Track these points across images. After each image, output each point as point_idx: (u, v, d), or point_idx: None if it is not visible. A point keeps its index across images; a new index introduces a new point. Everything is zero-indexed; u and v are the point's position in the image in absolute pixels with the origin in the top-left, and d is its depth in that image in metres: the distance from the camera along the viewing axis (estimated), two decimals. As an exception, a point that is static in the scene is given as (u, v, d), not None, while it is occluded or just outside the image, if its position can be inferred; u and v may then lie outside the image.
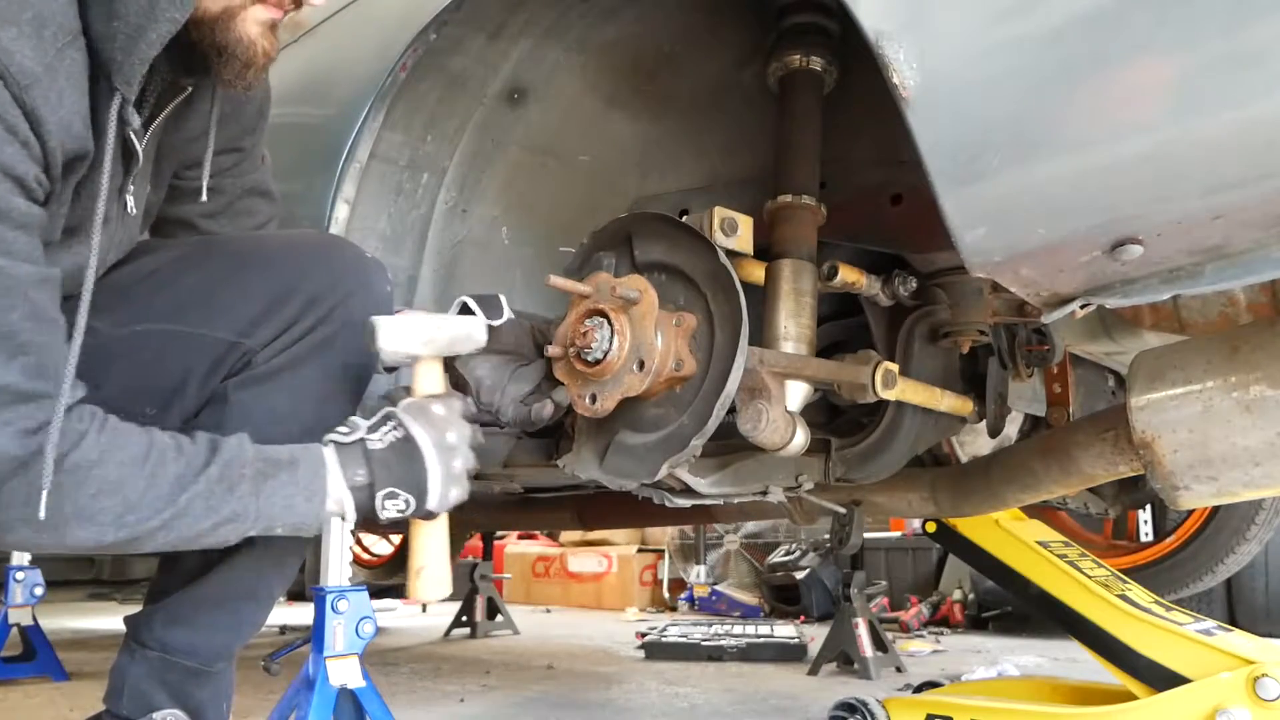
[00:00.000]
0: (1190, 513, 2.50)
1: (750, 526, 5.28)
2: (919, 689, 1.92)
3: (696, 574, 5.39)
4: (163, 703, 1.19)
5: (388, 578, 4.55)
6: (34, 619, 2.77)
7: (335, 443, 1.08)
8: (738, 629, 3.66)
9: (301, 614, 4.42)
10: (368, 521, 1.09)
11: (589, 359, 1.18)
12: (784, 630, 3.55)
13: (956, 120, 0.91)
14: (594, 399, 1.20)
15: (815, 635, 3.37)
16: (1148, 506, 3.01)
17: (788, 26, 1.39)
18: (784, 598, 4.81)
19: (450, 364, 1.23)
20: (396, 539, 4.61)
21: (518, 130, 1.60)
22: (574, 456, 1.31)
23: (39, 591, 2.78)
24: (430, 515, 1.10)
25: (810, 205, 1.34)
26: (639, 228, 1.25)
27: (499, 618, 4.22)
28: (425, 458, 1.07)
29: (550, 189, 1.69)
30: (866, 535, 2.29)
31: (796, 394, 1.30)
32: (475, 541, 4.60)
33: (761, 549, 5.25)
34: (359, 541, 4.69)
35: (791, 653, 3.22)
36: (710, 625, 3.86)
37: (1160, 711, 1.50)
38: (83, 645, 3.54)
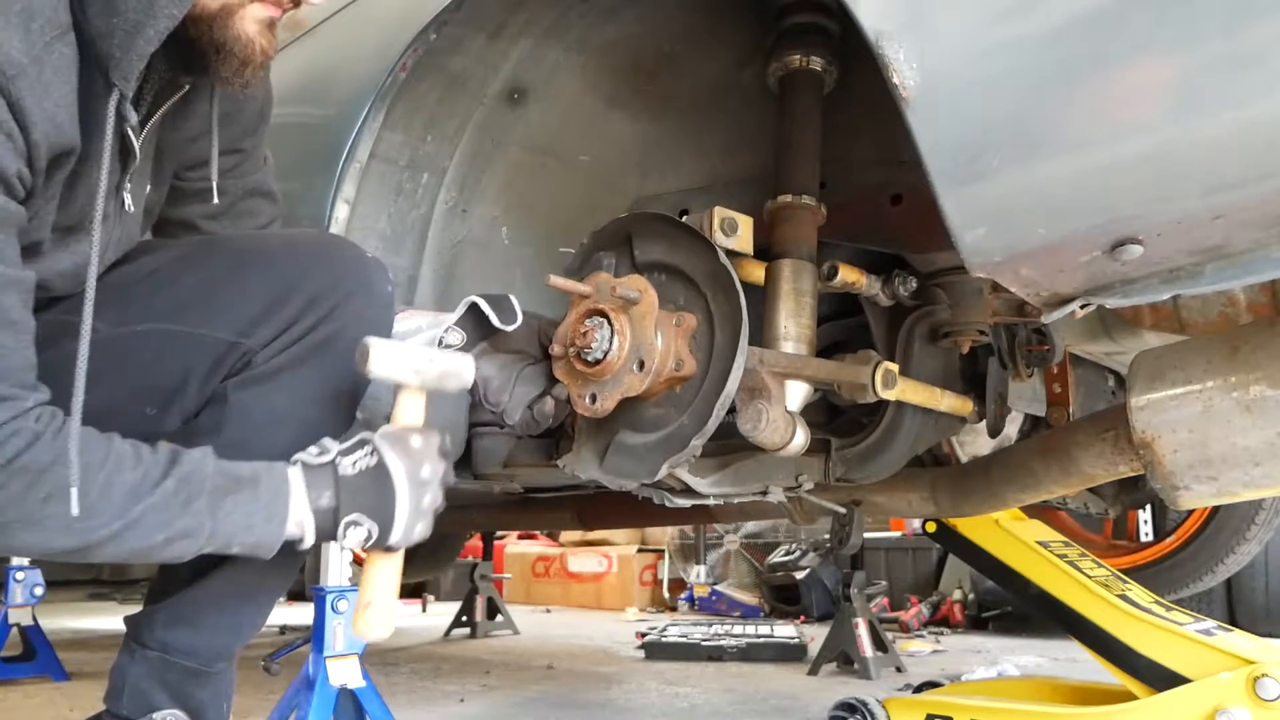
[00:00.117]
0: (1190, 513, 2.50)
1: (750, 526, 5.28)
2: (919, 689, 1.92)
3: (696, 574, 5.39)
4: (163, 703, 1.19)
5: (388, 578, 4.54)
6: (34, 619, 2.77)
7: (304, 463, 1.06)
8: (738, 629, 3.66)
9: (301, 614, 4.42)
10: None
11: (589, 359, 1.18)
12: (784, 630, 3.55)
13: (956, 120, 0.91)
14: (594, 399, 1.20)
15: (815, 635, 3.37)
16: (1148, 506, 3.01)
17: (788, 26, 1.39)
18: (784, 598, 4.81)
19: None
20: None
21: (518, 130, 1.60)
22: (574, 456, 1.31)
23: (39, 591, 2.78)
24: (390, 549, 1.07)
25: (810, 205, 1.34)
26: (639, 228, 1.25)
27: (499, 618, 4.22)
28: (396, 489, 1.04)
29: (550, 189, 1.69)
30: (866, 535, 2.29)
31: (796, 394, 1.30)
32: (475, 541, 4.60)
33: (761, 549, 5.25)
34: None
35: (791, 653, 3.22)
36: (710, 625, 3.86)
37: (1160, 711, 1.50)
38: (83, 645, 3.54)
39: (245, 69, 1.05)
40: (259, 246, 1.23)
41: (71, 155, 0.97)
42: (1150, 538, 3.01)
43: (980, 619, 4.20)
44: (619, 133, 1.68)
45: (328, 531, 1.04)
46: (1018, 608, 3.90)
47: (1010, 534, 1.88)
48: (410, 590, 5.55)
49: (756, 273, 1.33)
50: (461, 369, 1.11)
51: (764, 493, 1.41)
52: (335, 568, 1.69)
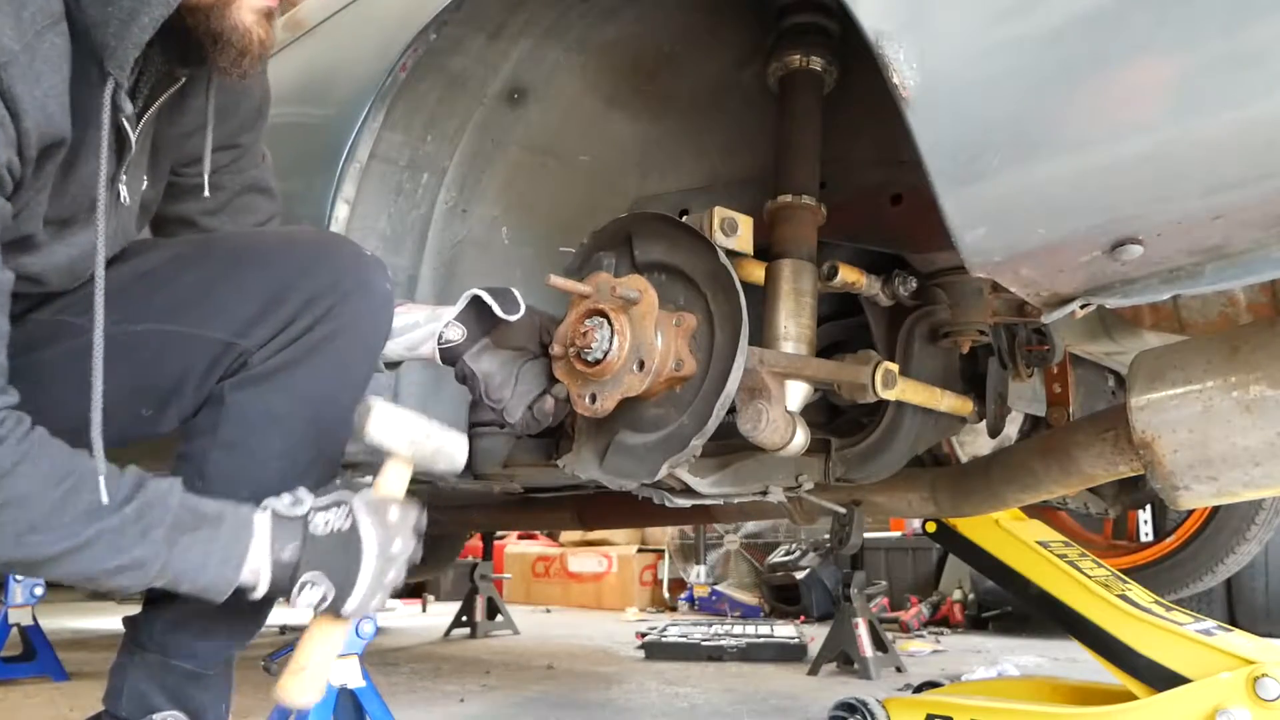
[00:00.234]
0: (1190, 513, 2.50)
1: (750, 526, 5.28)
2: (919, 689, 1.92)
3: (696, 574, 5.40)
4: (162, 704, 1.18)
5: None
6: (34, 619, 2.77)
7: (275, 511, 1.04)
8: (738, 629, 3.66)
9: (301, 613, 4.41)
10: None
11: (589, 359, 1.18)
12: (784, 630, 3.55)
13: (956, 120, 0.91)
14: (594, 399, 1.20)
15: (815, 635, 3.37)
16: (1148, 506, 3.01)
17: (788, 26, 1.39)
18: (784, 598, 4.81)
19: (457, 359, 1.23)
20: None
21: (518, 130, 1.60)
22: (574, 456, 1.31)
23: (39, 591, 2.78)
24: (339, 616, 1.04)
25: (810, 205, 1.34)
26: (639, 228, 1.25)
27: (499, 618, 4.22)
28: (364, 558, 1.02)
29: (550, 189, 1.69)
30: (866, 535, 2.29)
31: (796, 394, 1.30)
32: (475, 541, 4.60)
33: (761, 549, 5.25)
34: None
35: (791, 653, 3.22)
36: (710, 625, 3.86)
37: (1160, 711, 1.50)
38: (83, 645, 3.54)
39: (243, 59, 1.05)
40: (256, 245, 1.22)
41: (62, 146, 0.96)
42: (1150, 538, 3.01)
43: (980, 619, 4.20)
44: (619, 133, 1.68)
45: (282, 586, 1.02)
46: (1018, 608, 3.90)
47: (1010, 534, 1.88)
48: (410, 590, 5.55)
49: (756, 273, 1.33)
50: (455, 452, 1.11)
51: (764, 493, 1.41)
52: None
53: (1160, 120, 0.83)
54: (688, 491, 1.32)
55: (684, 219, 1.20)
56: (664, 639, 3.42)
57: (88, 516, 0.93)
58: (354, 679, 1.55)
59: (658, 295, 1.18)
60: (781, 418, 1.23)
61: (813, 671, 2.90)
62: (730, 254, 1.16)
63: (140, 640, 1.20)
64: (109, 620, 4.47)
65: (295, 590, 1.02)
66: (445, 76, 1.48)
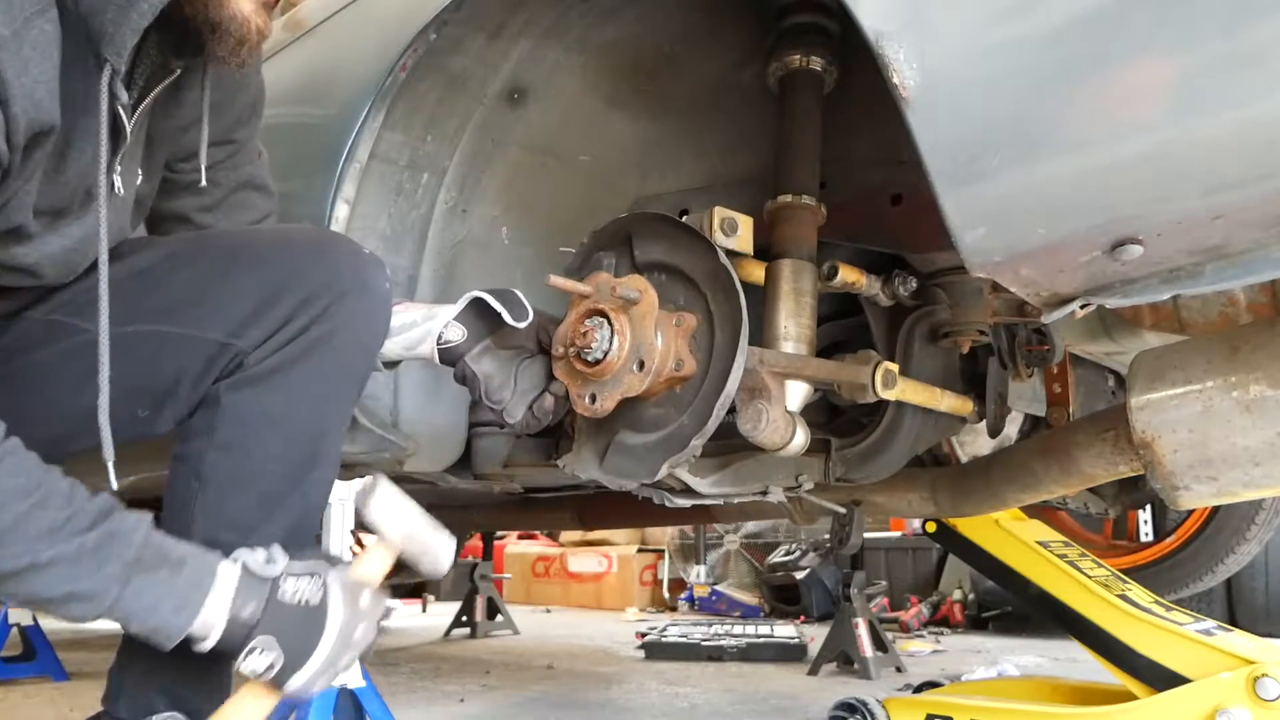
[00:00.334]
0: (1190, 513, 2.50)
1: (750, 526, 5.28)
2: (919, 689, 1.92)
3: (696, 574, 5.40)
4: (161, 705, 1.17)
5: (388, 578, 4.55)
6: (34, 619, 2.77)
7: (245, 565, 1.00)
8: (738, 629, 3.66)
9: (301, 614, 4.41)
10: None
11: (589, 359, 1.18)
12: (784, 630, 3.55)
13: (956, 120, 0.91)
14: (594, 399, 1.20)
15: (815, 635, 3.38)
16: (1148, 506, 3.01)
17: (788, 26, 1.39)
18: (784, 598, 4.81)
19: (458, 360, 1.23)
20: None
21: (518, 130, 1.60)
22: (574, 456, 1.31)
23: (39, 591, 2.77)
24: (279, 689, 1.00)
25: (810, 205, 1.34)
26: (639, 228, 1.25)
27: (499, 618, 4.22)
28: (324, 638, 0.99)
29: (550, 189, 1.69)
30: (866, 535, 2.29)
31: (796, 394, 1.30)
32: (475, 541, 4.60)
33: (761, 549, 5.26)
34: (359, 541, 4.69)
35: (791, 653, 3.22)
36: (710, 625, 3.87)
37: (1160, 711, 1.50)
38: (83, 645, 3.54)
39: (241, 48, 1.04)
40: (251, 244, 1.21)
41: (50, 135, 0.95)
42: (1150, 538, 3.01)
43: (980, 619, 4.20)
44: (619, 133, 1.68)
45: (233, 644, 0.98)
46: (1018, 608, 3.90)
47: (1010, 534, 1.88)
48: (410, 590, 5.56)
49: (756, 273, 1.33)
50: (442, 555, 1.09)
51: (764, 493, 1.41)
52: (335, 568, 1.68)
53: (1160, 120, 0.83)
54: (688, 491, 1.32)
55: (684, 219, 1.20)
56: (664, 639, 3.42)
57: (46, 539, 0.90)
58: (354, 679, 1.55)
59: (658, 295, 1.18)
60: (781, 418, 1.23)
61: (813, 671, 2.91)
62: (730, 254, 1.16)
63: (138, 641, 1.19)
64: (109, 620, 4.46)
65: (245, 652, 0.98)
66: (445, 76, 1.48)
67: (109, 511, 0.96)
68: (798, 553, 4.91)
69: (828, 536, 2.01)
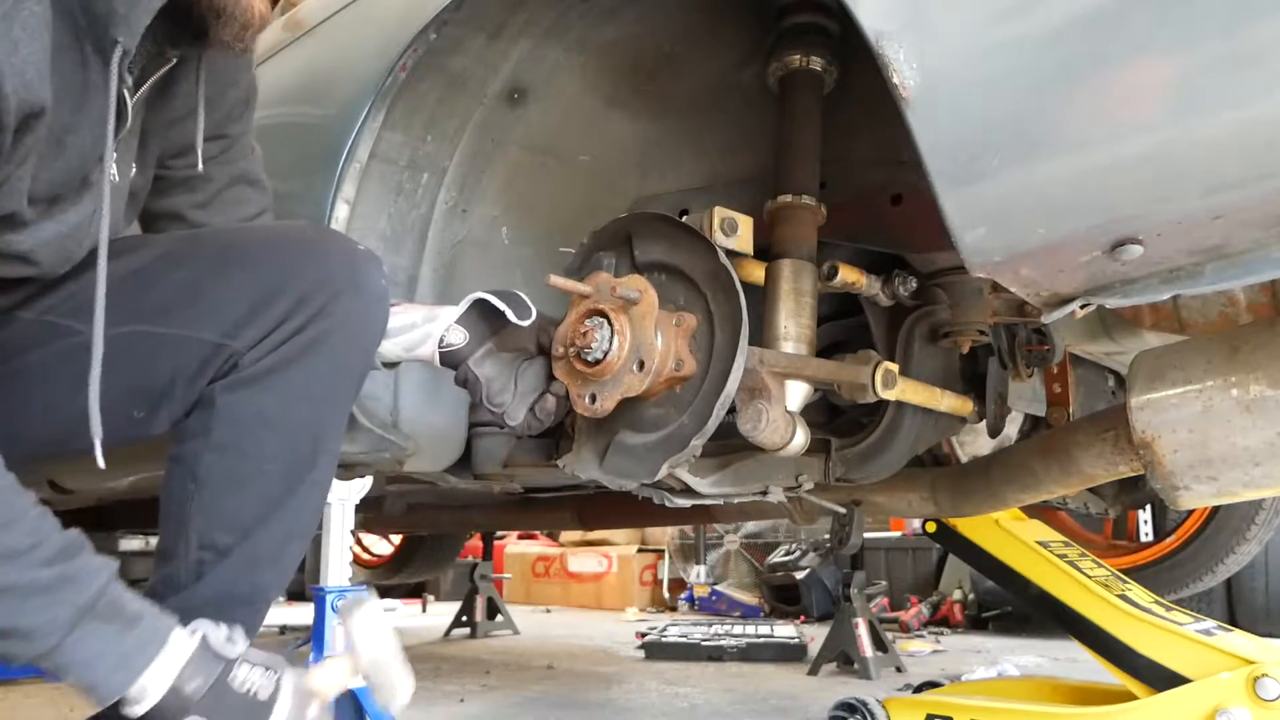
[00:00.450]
0: (1190, 513, 2.50)
1: (750, 526, 5.29)
2: (919, 689, 1.92)
3: (696, 574, 5.40)
4: None
5: (388, 578, 4.55)
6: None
7: (205, 638, 0.97)
8: (738, 629, 3.67)
9: (301, 614, 4.42)
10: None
11: (589, 359, 1.18)
12: (784, 630, 3.55)
13: (956, 120, 0.91)
14: (594, 399, 1.20)
15: (815, 635, 3.38)
16: (1148, 506, 3.01)
17: (788, 26, 1.39)
18: (784, 598, 4.81)
19: (460, 363, 1.23)
20: (397, 539, 4.62)
21: (518, 130, 1.60)
22: (574, 456, 1.31)
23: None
24: None
25: (810, 205, 1.34)
26: (639, 228, 1.25)
27: (499, 618, 4.22)
28: None
29: (550, 189, 1.69)
30: (866, 535, 2.29)
31: (796, 394, 1.30)
32: (475, 541, 4.61)
33: (761, 549, 5.26)
34: (359, 541, 4.70)
35: (791, 653, 3.22)
36: (710, 625, 3.87)
37: (1160, 711, 1.50)
38: (83, 645, 3.53)
39: (245, 32, 1.05)
40: (245, 242, 1.20)
41: (41, 117, 0.94)
42: (1150, 538, 3.01)
43: (980, 619, 4.20)
44: (619, 133, 1.68)
45: (166, 716, 0.94)
46: (1018, 608, 3.90)
47: (1010, 534, 1.88)
48: (410, 590, 5.56)
49: (756, 273, 1.33)
50: (400, 693, 1.08)
51: (764, 493, 1.41)
52: (335, 568, 1.69)
53: (1160, 120, 0.83)
54: (688, 491, 1.32)
55: (684, 219, 1.20)
56: (664, 639, 3.42)
57: (5, 562, 0.86)
58: (354, 679, 1.55)
59: (658, 295, 1.18)
60: (781, 418, 1.23)
61: (813, 671, 2.91)
62: (730, 254, 1.16)
63: None
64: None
65: None
66: (445, 76, 1.48)
67: (75, 551, 0.92)
68: (798, 553, 4.91)
69: (828, 536, 2.01)
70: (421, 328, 1.23)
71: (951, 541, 1.98)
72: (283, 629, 4.08)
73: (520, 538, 6.51)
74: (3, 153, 0.92)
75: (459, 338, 1.22)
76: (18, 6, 0.89)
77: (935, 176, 0.93)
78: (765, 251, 1.32)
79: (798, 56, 1.37)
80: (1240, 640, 1.55)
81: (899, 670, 2.94)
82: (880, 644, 2.97)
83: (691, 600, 5.31)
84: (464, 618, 4.14)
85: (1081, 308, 1.05)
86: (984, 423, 1.63)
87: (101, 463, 0.91)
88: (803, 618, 4.54)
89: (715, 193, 1.62)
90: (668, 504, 1.33)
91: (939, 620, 4.30)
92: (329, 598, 1.60)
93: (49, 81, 0.93)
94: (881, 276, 1.46)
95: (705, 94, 1.60)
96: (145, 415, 1.13)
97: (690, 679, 2.81)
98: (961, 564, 3.65)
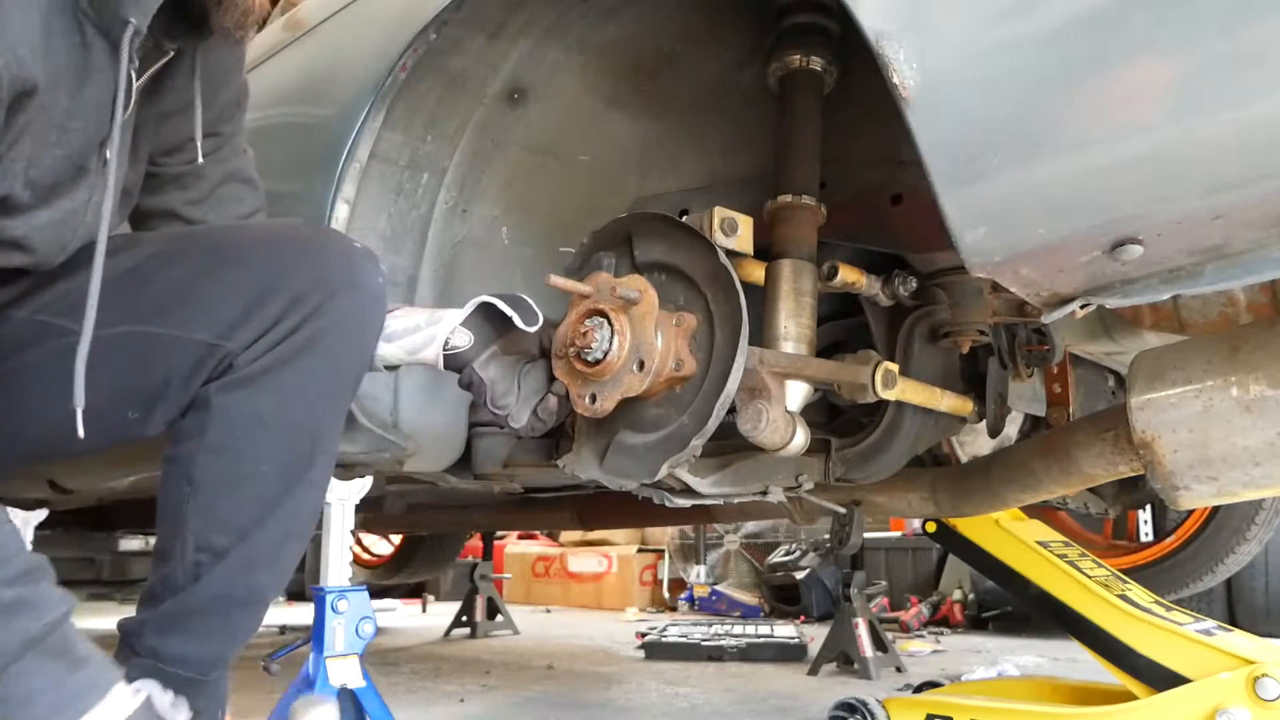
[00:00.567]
0: (1190, 513, 2.50)
1: (750, 526, 5.29)
2: (919, 689, 1.92)
3: (696, 574, 5.40)
4: None
5: (388, 578, 4.56)
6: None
7: (150, 698, 0.96)
8: (738, 629, 3.67)
9: (301, 614, 4.42)
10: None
11: (589, 359, 1.18)
12: (784, 630, 3.55)
13: (956, 120, 0.91)
14: (594, 399, 1.20)
15: (815, 635, 3.38)
16: (1148, 506, 3.01)
17: (788, 26, 1.39)
18: (784, 598, 4.81)
19: (464, 366, 1.22)
20: (397, 539, 4.62)
21: (518, 130, 1.60)
22: (574, 456, 1.31)
23: (39, 591, 2.77)
24: None
25: (810, 205, 1.34)
26: (639, 228, 1.25)
27: (499, 618, 4.22)
28: None
29: (550, 189, 1.69)
30: (866, 535, 2.29)
31: (796, 394, 1.30)
32: (475, 541, 4.61)
33: (761, 549, 5.26)
34: (359, 541, 4.70)
35: (791, 653, 3.22)
36: (710, 625, 3.87)
37: (1160, 711, 1.50)
38: (83, 645, 3.53)
39: (245, 19, 1.06)
40: (239, 241, 1.19)
41: (32, 95, 0.93)
42: (1150, 538, 3.01)
43: (980, 619, 4.20)
44: (619, 133, 1.68)
45: None
46: (1018, 608, 3.90)
47: (1010, 534, 1.88)
48: (410, 590, 5.56)
49: (756, 273, 1.33)
50: None
51: (764, 493, 1.41)
52: (335, 568, 1.69)
53: (1160, 120, 0.83)
54: (688, 491, 1.32)
55: (684, 219, 1.20)
56: (664, 639, 3.42)
57: None
58: (354, 679, 1.55)
59: (658, 295, 1.18)
60: (781, 418, 1.23)
61: (813, 671, 2.91)
62: (730, 254, 1.16)
63: (133, 645, 1.16)
64: (108, 620, 4.47)
65: None
66: (445, 76, 1.48)
67: (36, 577, 0.90)
68: (798, 553, 4.91)
69: (828, 536, 2.01)
70: (425, 330, 1.22)
71: (951, 541, 1.98)
72: (283, 629, 4.08)
73: (520, 538, 6.51)
74: None
75: (464, 341, 1.21)
76: None
77: (935, 176, 0.93)
78: (765, 251, 1.32)
79: (798, 56, 1.37)
80: (1240, 640, 1.55)
81: (899, 670, 2.94)
82: (880, 644, 2.97)
83: (691, 600, 5.31)
84: (464, 618, 4.14)
85: (1081, 308, 1.05)
86: (984, 423, 1.63)
87: (81, 431, 0.90)
88: (803, 618, 4.54)
89: (715, 193, 1.62)
90: (668, 504, 1.33)
91: (939, 620, 4.30)
92: (329, 598, 1.60)
93: (41, 60, 0.92)
94: (881, 276, 1.46)
95: (705, 94, 1.60)
96: (140, 416, 1.12)
97: (690, 679, 2.81)
98: (961, 564, 3.65)
